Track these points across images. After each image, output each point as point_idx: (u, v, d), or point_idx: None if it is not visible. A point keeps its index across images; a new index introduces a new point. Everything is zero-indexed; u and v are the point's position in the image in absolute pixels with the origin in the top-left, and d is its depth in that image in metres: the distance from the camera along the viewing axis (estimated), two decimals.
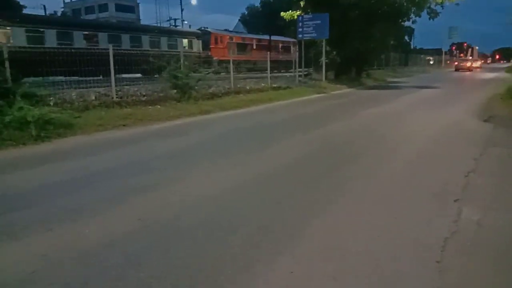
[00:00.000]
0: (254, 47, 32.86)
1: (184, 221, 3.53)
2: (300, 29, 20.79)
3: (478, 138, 7.16)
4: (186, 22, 59.23)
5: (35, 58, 10.72)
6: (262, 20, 49.49)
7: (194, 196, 4.18)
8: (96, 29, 22.65)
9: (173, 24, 55.90)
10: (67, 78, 11.41)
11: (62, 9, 61.92)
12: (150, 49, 22.39)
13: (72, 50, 13.84)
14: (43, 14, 44.07)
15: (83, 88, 10.95)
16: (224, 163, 5.60)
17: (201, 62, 15.10)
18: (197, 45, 27.91)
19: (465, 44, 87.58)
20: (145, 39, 24.20)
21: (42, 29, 19.52)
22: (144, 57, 13.64)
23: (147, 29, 25.85)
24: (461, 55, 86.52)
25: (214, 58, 24.99)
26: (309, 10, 22.54)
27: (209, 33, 30.42)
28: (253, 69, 16.84)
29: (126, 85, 12.13)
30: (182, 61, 12.39)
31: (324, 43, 20.98)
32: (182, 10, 59.81)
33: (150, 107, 10.36)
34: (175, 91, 11.89)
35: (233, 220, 3.55)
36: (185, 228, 3.39)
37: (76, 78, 11.70)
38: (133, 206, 3.89)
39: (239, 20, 66.10)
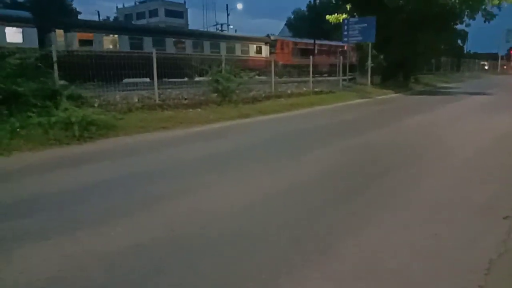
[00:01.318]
0: (316, 52, 33.49)
1: (212, 230, 3.45)
2: (345, 33, 20.40)
3: None
4: (231, 26, 60.09)
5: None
6: (308, 24, 49.19)
7: (224, 204, 4.09)
8: (183, 36, 25.42)
9: (220, 29, 56.86)
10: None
11: (115, 15, 64.77)
12: (226, 54, 24.31)
13: (122, 54, 14.48)
14: (97, 19, 46.21)
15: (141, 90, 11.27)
16: (258, 170, 5.49)
17: (268, 66, 15.94)
18: (266, 51, 29.87)
19: None
20: (223, 45, 26.42)
21: (141, 37, 22.41)
22: (188, 61, 13.92)
23: (224, 37, 28.64)
24: None
25: (280, 63, 25.88)
26: (355, 14, 22.09)
27: (276, 40, 32.50)
28: (314, 72, 17.70)
29: (170, 88, 12.37)
30: (223, 64, 12.46)
31: (370, 47, 20.46)
32: (228, 15, 60.86)
33: (191, 110, 10.47)
34: (216, 94, 11.96)
35: (263, 232, 3.42)
36: (212, 238, 3.30)
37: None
38: (163, 212, 3.86)
39: (285, 24, 66.12)
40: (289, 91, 15.50)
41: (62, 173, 5.30)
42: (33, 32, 18.14)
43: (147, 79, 12.51)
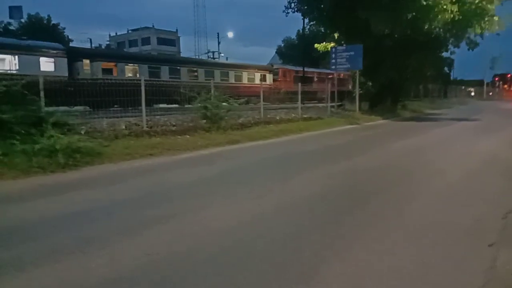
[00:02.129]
0: (315, 79, 35.36)
1: (195, 256, 3.38)
2: (333, 61, 20.74)
3: None
4: (223, 54, 60.90)
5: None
6: (297, 52, 50.05)
7: (209, 229, 4.03)
8: (195, 65, 27.55)
9: (211, 56, 57.58)
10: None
11: (108, 42, 65.41)
12: (234, 82, 27.77)
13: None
14: (89, 47, 46.63)
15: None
16: (244, 194, 5.44)
17: (273, 93, 17.70)
18: (270, 78, 32.25)
19: (509, 75, 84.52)
20: (231, 73, 28.62)
21: (158, 66, 24.12)
22: (177, 88, 14.13)
23: (233, 66, 30.59)
24: (505, 86, 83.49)
25: (282, 90, 27.57)
26: (342, 42, 22.54)
27: (278, 68, 35.20)
28: (313, 98, 20.02)
29: (158, 114, 12.38)
30: (212, 91, 12.54)
31: (357, 74, 20.78)
32: (219, 43, 61.80)
33: (179, 136, 10.42)
34: (204, 121, 11.98)
35: (246, 256, 3.37)
36: (196, 264, 3.23)
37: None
38: (146, 239, 3.77)
39: (276, 52, 67.20)
40: (278, 117, 15.59)
41: (43, 202, 5.18)
42: (64, 61, 19.79)
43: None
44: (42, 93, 8.32)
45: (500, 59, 60.95)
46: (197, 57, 53.96)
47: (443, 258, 3.31)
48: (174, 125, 11.30)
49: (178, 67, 25.37)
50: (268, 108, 16.57)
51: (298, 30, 56.17)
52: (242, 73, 29.83)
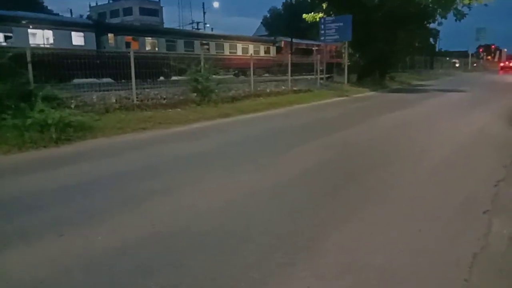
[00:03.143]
0: (314, 52, 35.46)
1: (196, 228, 3.44)
2: (322, 32, 20.56)
3: (507, 145, 6.85)
4: (208, 25, 59.77)
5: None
6: (284, 22, 49.39)
7: (207, 202, 4.09)
8: (207, 39, 28.76)
9: (196, 27, 56.42)
10: None
11: (88, 13, 63.37)
12: (241, 54, 28.93)
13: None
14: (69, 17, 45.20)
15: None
16: (240, 168, 5.50)
17: (276, 65, 18.31)
18: (273, 51, 33.43)
19: (493, 46, 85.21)
20: (239, 46, 30.12)
21: (175, 40, 25.39)
22: (165, 60, 14.06)
23: (240, 38, 31.91)
24: (489, 57, 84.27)
25: (284, 62, 27.91)
26: (331, 12, 22.28)
27: (281, 40, 35.87)
28: (311, 70, 20.16)
29: (148, 88, 12.22)
30: (202, 64, 12.37)
31: (346, 45, 20.68)
32: (204, 13, 60.45)
33: (170, 110, 10.37)
34: (195, 94, 11.88)
35: (247, 229, 3.44)
36: (197, 236, 3.29)
37: None
38: (145, 211, 3.82)
39: (261, 22, 66.17)
40: (268, 90, 15.54)
41: (40, 175, 5.17)
42: (92, 36, 20.94)
43: None
44: (30, 66, 8.10)
45: (485, 30, 60.99)
46: (181, 27, 52.83)
47: (439, 229, 3.42)
48: (164, 99, 11.19)
49: (192, 41, 26.62)
50: (258, 81, 16.46)
51: (287, 0, 55.27)
52: (248, 45, 31.05)
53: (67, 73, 9.54)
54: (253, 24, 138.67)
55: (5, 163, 5.80)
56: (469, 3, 21.55)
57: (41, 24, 19.36)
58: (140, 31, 25.54)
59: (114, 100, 9.90)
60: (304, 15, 24.01)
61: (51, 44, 18.75)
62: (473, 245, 3.06)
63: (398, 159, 6.09)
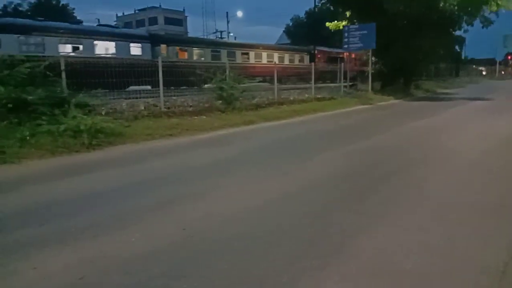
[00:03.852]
0: (346, 60, 36.17)
1: (227, 232, 3.52)
2: (346, 40, 20.53)
3: None
4: (231, 34, 60.30)
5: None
6: (306, 31, 49.49)
7: (236, 207, 4.16)
8: (247, 48, 30.23)
9: (220, 36, 57.07)
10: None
11: (115, 23, 64.96)
12: (277, 63, 29.18)
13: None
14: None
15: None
16: (266, 174, 5.57)
17: (306, 73, 18.86)
18: (307, 59, 34.41)
19: None
20: (276, 55, 31.27)
21: (219, 50, 27.34)
22: (193, 68, 14.46)
23: (276, 48, 33.94)
24: None
25: (319, 69, 29.05)
26: (355, 20, 22.24)
27: (314, 49, 36.48)
28: (336, 78, 21.19)
29: (175, 95, 12.49)
30: (227, 72, 12.56)
31: (370, 53, 20.58)
32: (228, 22, 61.16)
33: (196, 117, 10.56)
34: (220, 101, 12.05)
35: (276, 233, 3.49)
36: (228, 240, 3.36)
37: None
38: (177, 216, 3.92)
39: (283, 31, 66.41)
40: (291, 98, 15.60)
41: (73, 180, 5.36)
42: (148, 46, 22.80)
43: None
44: (63, 74, 8.43)
45: None
46: (205, 36, 53.60)
47: (469, 234, 3.40)
48: (190, 106, 11.40)
49: (234, 51, 28.40)
50: (281, 88, 16.56)
51: (309, 9, 55.34)
52: (284, 55, 32.47)
53: (124, 81, 10.35)
54: (275, 32, 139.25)
55: (40, 167, 6.03)
56: (496, 10, 21.13)
57: (104, 36, 21.38)
58: (188, 42, 27.66)
59: (143, 107, 10.16)
60: (328, 24, 24.04)
61: (112, 54, 20.83)
62: (504, 254, 3.03)
63: (426, 164, 6.05)
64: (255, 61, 28.92)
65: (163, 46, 23.93)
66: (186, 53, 25.30)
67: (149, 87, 12.29)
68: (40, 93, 7.48)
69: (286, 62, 31.83)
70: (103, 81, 10.01)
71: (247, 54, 29.25)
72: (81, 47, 19.87)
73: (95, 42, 20.55)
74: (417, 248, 3.15)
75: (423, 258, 2.98)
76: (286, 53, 33.16)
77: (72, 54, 18.87)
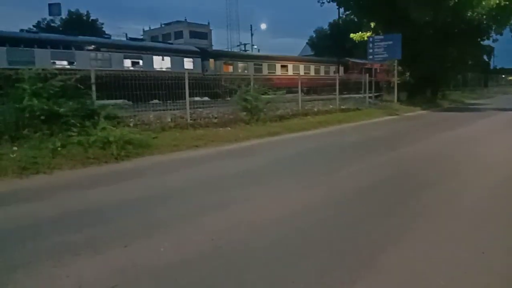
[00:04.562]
0: (378, 71, 36.44)
1: (255, 243, 3.50)
2: (370, 50, 20.40)
3: None
4: (255, 46, 60.83)
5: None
6: (329, 42, 49.40)
7: (264, 218, 4.15)
8: (286, 61, 32.41)
9: (244, 49, 57.67)
10: None
11: (141, 36, 66.58)
12: (314, 74, 32.29)
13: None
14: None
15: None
16: (293, 185, 5.54)
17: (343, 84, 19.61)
18: (341, 71, 35.31)
19: None
20: (312, 68, 33.68)
21: (261, 63, 29.73)
22: (217, 81, 14.85)
23: (312, 61, 36.10)
24: None
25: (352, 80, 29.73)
26: (379, 31, 22.10)
27: (348, 61, 37.93)
28: (376, 88, 21.79)
29: (200, 107, 12.68)
30: (252, 84, 12.64)
31: (396, 64, 20.36)
32: (252, 35, 61.78)
33: (221, 129, 10.64)
34: (244, 113, 12.12)
35: (305, 244, 3.46)
36: (256, 251, 3.35)
37: None
38: (205, 226, 3.94)
39: (307, 43, 66.51)
40: (315, 109, 15.54)
41: (104, 190, 5.47)
42: (199, 61, 24.76)
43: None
44: (94, 87, 8.67)
45: None
46: (229, 49, 54.34)
47: (501, 249, 3.30)
48: (215, 118, 11.51)
49: (274, 63, 30.57)
50: (305, 99, 16.54)
51: (333, 20, 55.28)
52: (320, 66, 34.66)
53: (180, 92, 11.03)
54: (298, 44, 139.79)
55: (72, 177, 6.18)
56: None
57: (161, 52, 23.63)
58: (233, 57, 30.18)
59: (169, 119, 10.32)
60: (352, 35, 24.00)
61: (168, 67, 22.72)
62: None
63: (457, 177, 5.90)
64: (293, 73, 30.27)
65: (211, 60, 25.80)
66: (231, 67, 27.32)
67: (206, 98, 13.34)
68: (71, 105, 7.70)
69: (322, 73, 33.87)
70: (157, 93, 10.96)
71: (285, 66, 31.19)
72: (141, 62, 21.91)
73: (154, 57, 22.56)
74: (447, 262, 3.07)
75: (455, 273, 2.90)
76: (322, 65, 35.15)
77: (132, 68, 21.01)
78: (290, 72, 30.88)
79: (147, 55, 22.21)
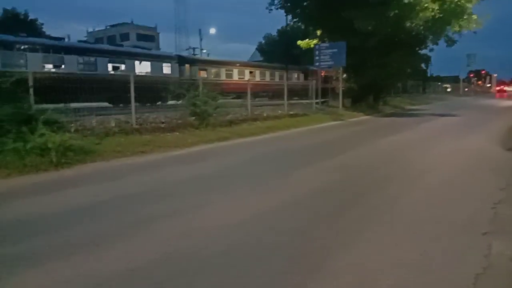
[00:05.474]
0: (334, 78, 38.30)
1: (206, 250, 3.44)
2: (317, 57, 20.94)
3: (503, 168, 6.94)
4: (204, 51, 60.31)
5: None
6: (278, 49, 50.15)
7: (214, 224, 4.10)
8: (255, 68, 34.61)
9: (192, 53, 57.08)
10: None
11: (85, 38, 64.04)
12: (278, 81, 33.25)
13: None
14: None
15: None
16: (245, 191, 5.53)
17: (303, 89, 20.89)
18: (302, 78, 37.59)
19: (483, 72, 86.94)
20: (277, 74, 35.22)
21: (232, 69, 31.10)
22: (164, 84, 14.52)
23: (300, 70, 37.54)
24: (479, 82, 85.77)
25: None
26: (325, 39, 22.75)
27: (308, 69, 38.18)
28: (323, 94, 22.71)
29: (147, 112, 12.37)
30: (201, 88, 12.53)
31: (341, 71, 21.03)
32: (201, 39, 61.38)
33: (168, 134, 10.43)
34: (193, 118, 11.98)
35: (256, 250, 3.45)
36: (207, 257, 3.29)
37: None
38: (154, 234, 3.82)
39: (256, 49, 67.09)
40: (265, 114, 15.68)
41: (43, 198, 5.16)
42: (176, 66, 25.62)
43: None
44: (31, 90, 8.18)
45: (475, 56, 62.47)
46: (177, 52, 53.62)
47: (442, 250, 3.46)
48: (163, 122, 11.27)
49: (244, 69, 32.01)
50: (254, 105, 16.67)
51: (282, 27, 56.16)
52: (292, 74, 36.56)
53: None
54: (247, 50, 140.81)
55: (7, 186, 5.77)
56: (459, 31, 22.13)
57: (142, 57, 24.22)
58: (207, 62, 31.15)
59: (113, 124, 9.96)
60: (299, 42, 24.47)
61: (147, 72, 23.54)
62: (475, 266, 3.09)
63: (399, 181, 6.15)
64: (260, 78, 32.57)
65: (187, 66, 26.90)
66: (205, 72, 28.35)
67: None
68: (6, 110, 7.20)
69: (293, 80, 35.65)
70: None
71: (253, 72, 32.78)
72: (123, 66, 22.67)
73: (136, 62, 23.33)
74: (394, 264, 3.17)
75: (398, 274, 3.00)
76: (294, 72, 37.33)
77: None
78: (257, 77, 32.58)
79: (130, 60, 23.02)
